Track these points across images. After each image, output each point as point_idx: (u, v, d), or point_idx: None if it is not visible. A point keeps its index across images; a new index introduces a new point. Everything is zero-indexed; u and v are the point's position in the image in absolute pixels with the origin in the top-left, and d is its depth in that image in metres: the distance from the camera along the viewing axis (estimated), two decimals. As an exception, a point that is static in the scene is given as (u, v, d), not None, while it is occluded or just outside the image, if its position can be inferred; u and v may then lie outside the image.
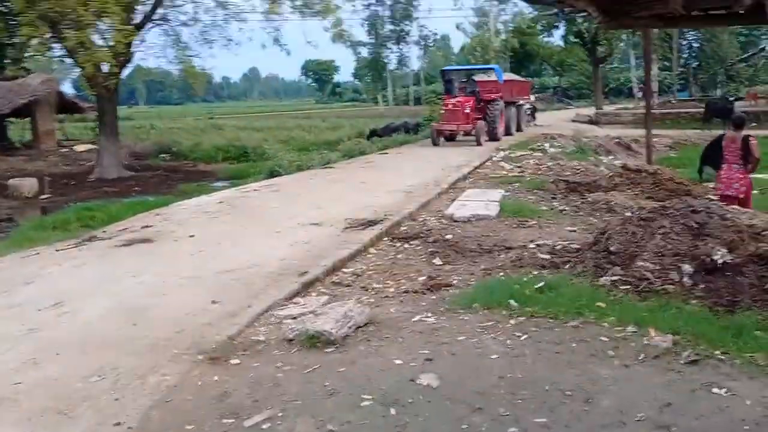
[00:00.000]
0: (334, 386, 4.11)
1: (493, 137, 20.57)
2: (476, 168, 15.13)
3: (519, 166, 15.32)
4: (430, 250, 7.93)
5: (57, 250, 8.19)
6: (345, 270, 7.16)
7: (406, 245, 8.24)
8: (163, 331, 5.18)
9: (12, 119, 30.96)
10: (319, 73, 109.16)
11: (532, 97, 30.23)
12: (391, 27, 56.34)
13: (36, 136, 27.87)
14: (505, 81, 22.95)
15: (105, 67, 17.87)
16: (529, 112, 27.90)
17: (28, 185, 17.27)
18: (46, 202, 16.17)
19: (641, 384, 4.00)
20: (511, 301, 5.38)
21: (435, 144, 19.87)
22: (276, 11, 20.15)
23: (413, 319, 5.33)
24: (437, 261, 7.44)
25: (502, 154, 17.51)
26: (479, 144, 19.28)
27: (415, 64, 65.70)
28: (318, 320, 5.02)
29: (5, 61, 19.56)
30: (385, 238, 8.53)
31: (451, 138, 20.53)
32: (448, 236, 8.49)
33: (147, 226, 9.48)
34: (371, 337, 4.97)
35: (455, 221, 9.41)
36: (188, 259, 7.47)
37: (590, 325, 4.89)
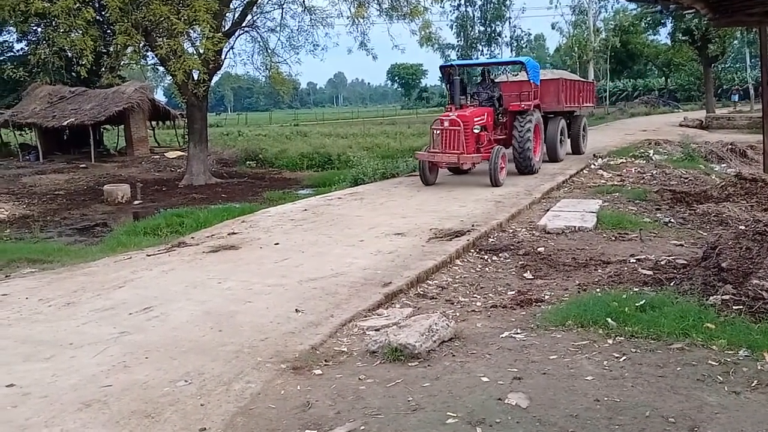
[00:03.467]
0: (418, 402, 4.12)
1: (524, 168, 14.67)
2: (572, 177, 14.78)
3: (619, 175, 14.84)
4: (520, 263, 7.84)
5: (148, 255, 8.67)
6: (430, 282, 7.20)
7: (495, 257, 8.18)
8: (247, 338, 5.37)
9: (107, 126, 33.10)
10: (406, 77, 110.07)
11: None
12: (481, 28, 56.00)
13: (129, 142, 29.62)
14: (545, 82, 16.76)
15: (195, 75, 18.76)
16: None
17: (121, 191, 18.35)
18: (138, 208, 17.12)
19: (753, 413, 3.78)
20: (609, 320, 5.22)
21: (425, 182, 13.89)
22: (362, 15, 20.52)
23: (501, 336, 5.28)
24: (528, 275, 7.34)
25: (600, 161, 17.02)
26: (496, 184, 13.20)
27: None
28: (402, 333, 5.05)
29: (101, 69, 20.91)
30: (472, 250, 8.50)
31: (457, 170, 15.23)
32: (540, 249, 8.36)
33: (233, 233, 9.88)
34: (457, 353, 4.96)
35: (548, 233, 9.26)
36: (272, 267, 7.71)
37: (697, 348, 4.67)
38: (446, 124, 13.35)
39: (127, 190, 18.55)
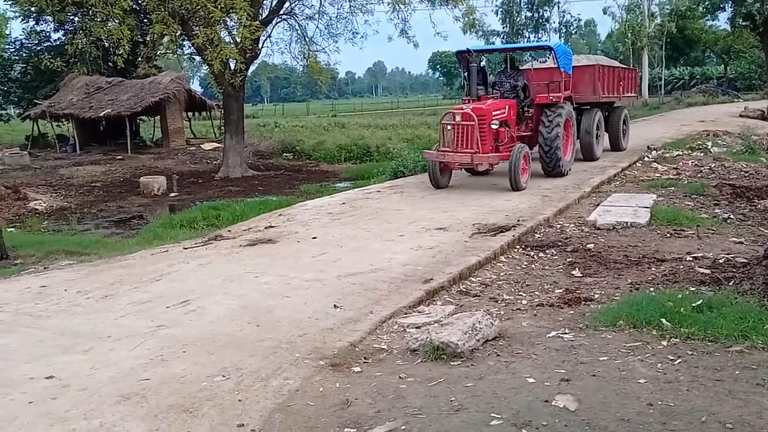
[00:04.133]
0: (461, 402, 4.13)
1: (551, 170, 13.28)
2: (624, 170, 14.55)
3: (675, 168, 14.55)
4: (568, 260, 7.77)
5: (184, 248, 8.85)
6: (473, 279, 7.19)
7: (541, 254, 8.12)
8: (285, 334, 5.45)
9: (143, 117, 33.81)
10: (448, 65, 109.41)
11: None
12: (528, 13, 55.39)
13: (165, 134, 30.18)
14: (579, 69, 15.18)
15: (232, 64, 19.00)
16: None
17: (157, 183, 18.73)
18: (174, 200, 17.46)
19: (821, 423, 3.68)
20: (663, 321, 5.14)
21: (435, 185, 12.71)
22: (404, 1, 20.46)
23: (548, 335, 5.25)
24: (576, 272, 7.28)
25: (654, 153, 16.70)
26: (516, 187, 11.97)
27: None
28: (443, 331, 5.05)
29: (138, 59, 21.38)
30: (518, 246, 8.45)
31: (474, 171, 13.69)
32: (590, 245, 8.26)
33: (270, 227, 10.01)
34: (501, 352, 4.95)
35: (598, 229, 9.14)
36: (310, 261, 7.79)
37: (757, 351, 4.57)
38: (458, 118, 11.98)
39: (163, 182, 18.92)
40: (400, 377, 4.58)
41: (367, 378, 4.62)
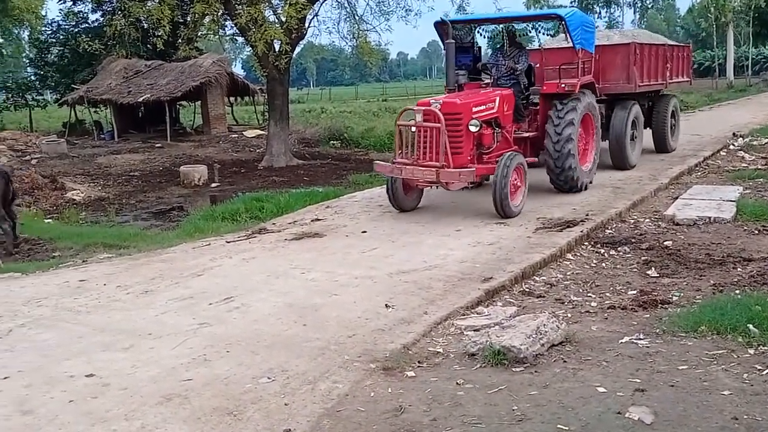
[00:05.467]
0: (524, 412, 4.11)
1: (562, 183, 10.78)
2: (706, 159, 14.21)
3: (764, 157, 14.14)
4: (643, 258, 7.66)
5: (227, 242, 9.03)
6: (536, 278, 7.16)
7: (613, 251, 8.03)
8: (333, 334, 5.51)
9: (183, 103, 34.48)
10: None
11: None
12: (599, -13, 54.35)
13: (206, 120, 30.73)
14: (608, 49, 13.05)
15: (276, 45, 19.20)
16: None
17: (198, 173, 19.11)
18: (216, 191, 17.79)
19: None
20: (750, 326, 5.02)
21: (396, 206, 10.17)
22: (461, -25, 20.31)
23: (621, 341, 5.19)
24: (652, 272, 7.17)
25: (740, 141, 16.24)
26: (504, 214, 9.29)
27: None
28: (505, 334, 5.04)
29: (178, 41, 21.78)
30: (586, 243, 8.36)
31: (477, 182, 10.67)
32: (667, 242, 8.12)
33: (317, 219, 10.12)
34: (568, 358, 4.91)
35: (677, 224, 8.98)
36: (360, 257, 7.85)
37: None
38: (419, 117, 9.31)
39: (204, 171, 19.29)
40: (457, 383, 4.59)
41: (422, 383, 4.64)
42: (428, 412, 4.21)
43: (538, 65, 11.31)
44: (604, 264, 7.64)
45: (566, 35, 11.09)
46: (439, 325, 5.73)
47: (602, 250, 8.08)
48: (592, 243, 8.35)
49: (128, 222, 14.22)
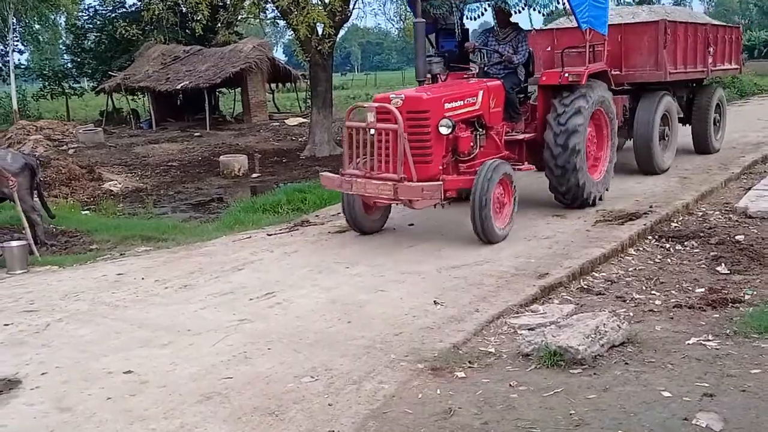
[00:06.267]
0: (582, 417, 4.08)
1: (568, 196, 9.26)
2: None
3: None
4: (712, 254, 7.53)
5: (268, 235, 9.13)
6: (596, 274, 7.09)
7: (679, 246, 7.91)
8: (379, 332, 5.54)
9: (223, 90, 34.92)
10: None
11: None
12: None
13: (246, 108, 31.07)
14: (631, 29, 11.57)
15: (320, 29, 19.27)
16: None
17: (238, 163, 19.34)
18: (256, 182, 17.99)
19: None
20: (831, 328, 4.88)
21: (353, 226, 8.78)
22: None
23: (687, 342, 5.12)
24: (722, 268, 7.05)
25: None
26: (486, 239, 7.89)
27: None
28: (562, 334, 5.00)
29: (217, 25, 22.06)
30: (650, 237, 8.26)
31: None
32: (739, 237, 7.96)
33: (362, 211, 10.13)
34: (630, 360, 4.85)
35: (749, 217, 8.81)
36: (407, 251, 7.87)
37: None
38: (371, 118, 7.80)
39: (245, 161, 19.51)
40: (510, 385, 4.57)
41: (473, 385, 4.63)
42: (479, 416, 4.20)
43: (549, 49, 10.19)
44: (669, 259, 7.52)
45: (567, 11, 9.41)
46: (491, 324, 5.72)
47: (667, 245, 7.95)
48: (657, 237, 8.23)
49: (166, 214, 14.48)
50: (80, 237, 10.64)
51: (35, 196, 9.90)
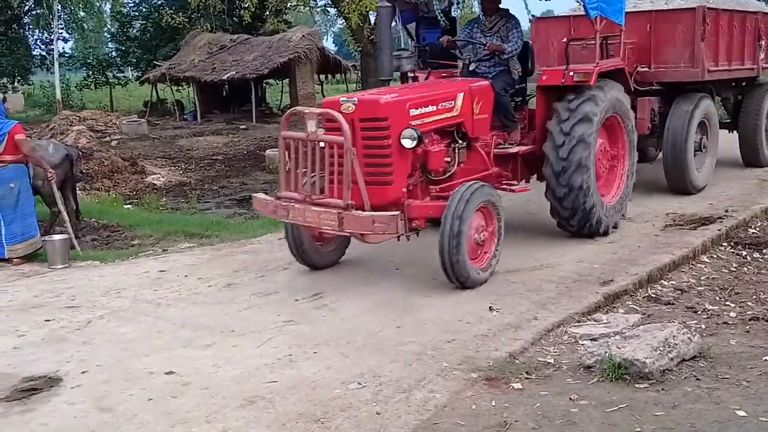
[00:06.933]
0: (648, 434, 4.02)
1: (566, 220, 8.05)
2: None
3: None
4: (794, 262, 7.33)
5: (315, 233, 9.17)
6: (665, 282, 7.00)
7: (757, 254, 7.80)
8: (431, 338, 5.54)
9: (270, 81, 35.26)
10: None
11: None
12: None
13: (294, 100, 31.25)
14: (663, 16, 10.10)
15: (372, 17, 19.34)
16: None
17: (284, 157, 19.49)
18: (303, 177, 18.11)
19: None
20: None
21: (300, 259, 7.48)
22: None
23: (765, 358, 5.03)
24: (805, 279, 6.86)
25: None
26: (459, 282, 6.60)
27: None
28: (627, 345, 4.94)
29: (266, 13, 22.29)
30: (725, 243, 8.14)
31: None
32: (824, 244, 7.74)
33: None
34: (701, 376, 4.78)
35: (837, 223, 8.54)
36: (462, 254, 7.82)
37: None
38: (312, 126, 6.64)
39: (292, 155, 19.64)
40: (570, 399, 4.53)
41: (530, 397, 4.60)
42: (536, 430, 4.18)
43: (564, 40, 8.78)
44: (745, 268, 7.39)
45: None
46: (551, 333, 5.67)
47: (744, 252, 7.83)
48: (732, 244, 8.10)
49: (210, 209, 14.68)
50: (122, 232, 10.87)
51: (69, 189, 10.07)
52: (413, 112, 6.79)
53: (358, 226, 6.38)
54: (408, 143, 6.56)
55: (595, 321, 5.91)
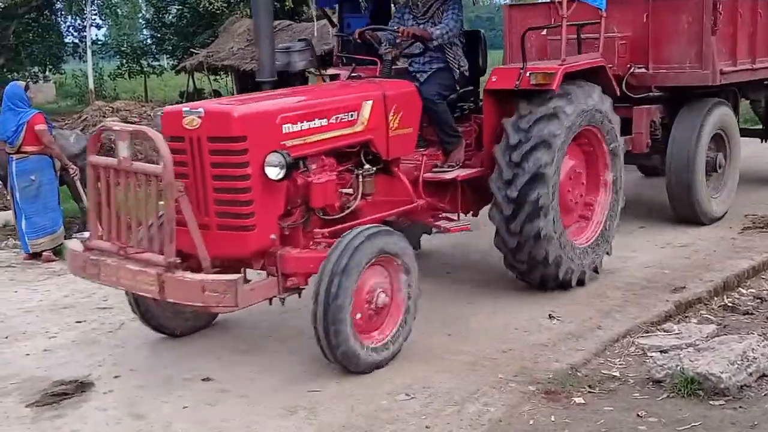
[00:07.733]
0: (723, 456, 3.96)
1: (523, 273, 6.64)
2: None
3: None
4: None
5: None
6: (743, 290, 6.91)
7: None
8: (484, 347, 5.53)
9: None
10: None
11: None
12: None
13: (338, 90, 31.43)
14: (662, 1, 8.47)
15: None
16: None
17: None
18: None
19: None
20: None
21: (146, 322, 5.85)
22: None
23: None
24: None
25: None
26: (337, 362, 5.05)
27: None
28: (701, 358, 4.88)
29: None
30: (810, 247, 7.93)
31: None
32: None
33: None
34: (783, 393, 4.69)
35: None
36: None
37: None
38: (124, 150, 5.09)
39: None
40: (638, 415, 4.48)
41: (593, 413, 4.56)
42: (601, 449, 4.14)
43: (545, 33, 7.87)
44: (833, 275, 7.23)
45: None
46: (616, 343, 5.63)
47: (832, 258, 7.62)
48: (819, 249, 7.90)
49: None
50: (156, 229, 10.99)
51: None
52: (287, 128, 5.28)
53: (183, 294, 4.82)
54: (273, 172, 5.02)
55: (665, 331, 5.84)
